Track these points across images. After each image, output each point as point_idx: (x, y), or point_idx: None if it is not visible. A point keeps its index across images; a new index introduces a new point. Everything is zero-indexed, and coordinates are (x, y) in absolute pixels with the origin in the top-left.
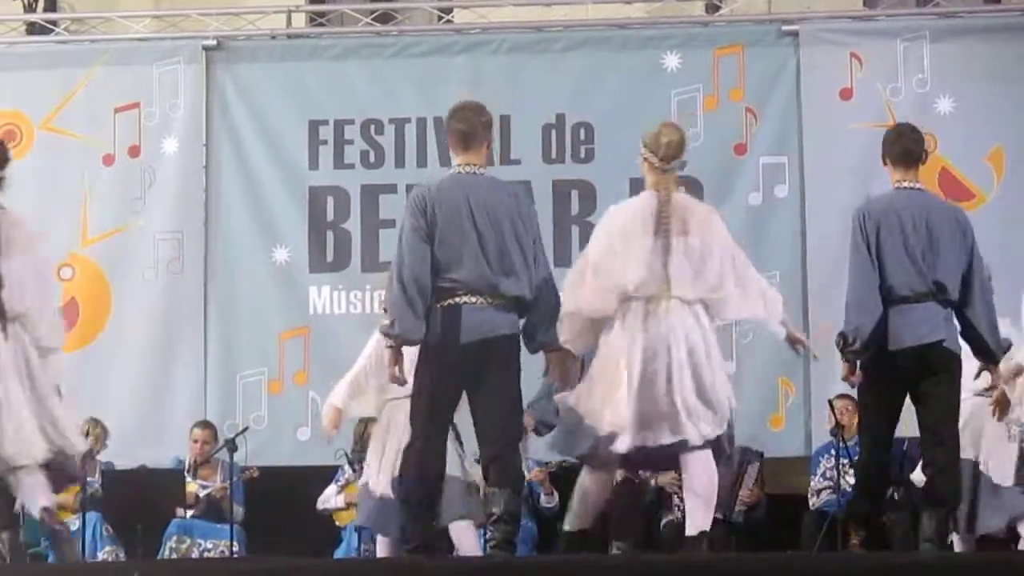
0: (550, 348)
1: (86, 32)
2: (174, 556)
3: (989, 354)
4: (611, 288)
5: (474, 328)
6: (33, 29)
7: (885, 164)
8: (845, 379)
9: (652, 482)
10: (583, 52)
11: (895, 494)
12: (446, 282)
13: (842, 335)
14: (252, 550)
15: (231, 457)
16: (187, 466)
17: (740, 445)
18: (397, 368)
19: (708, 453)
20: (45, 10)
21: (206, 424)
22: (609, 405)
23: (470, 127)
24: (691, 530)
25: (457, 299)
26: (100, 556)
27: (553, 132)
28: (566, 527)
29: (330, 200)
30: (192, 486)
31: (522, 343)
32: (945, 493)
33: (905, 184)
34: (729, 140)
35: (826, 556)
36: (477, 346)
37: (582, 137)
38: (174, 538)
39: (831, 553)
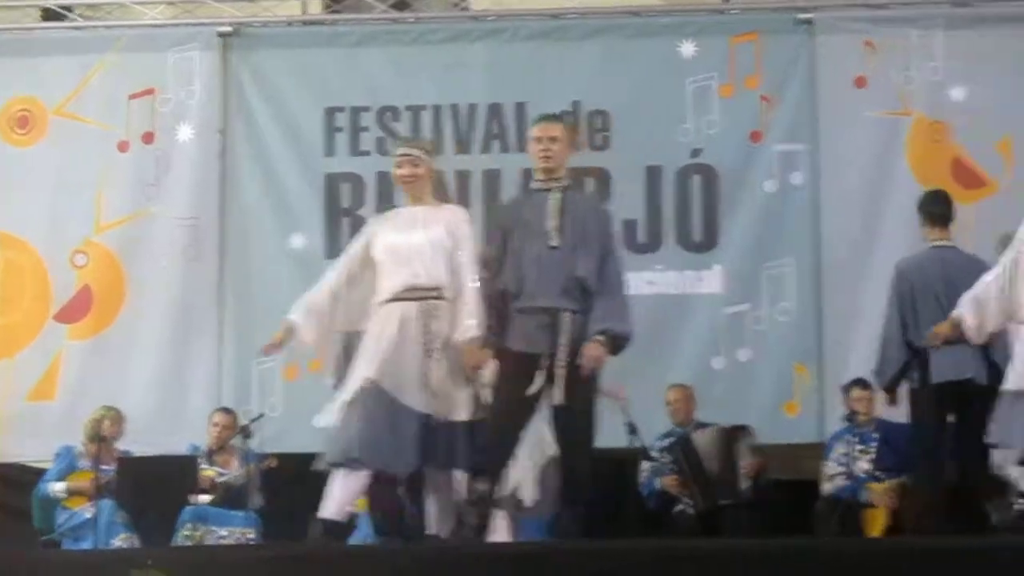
0: None
1: (101, 18)
2: (188, 543)
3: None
4: None
5: None
6: (48, 15)
7: (923, 225)
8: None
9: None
10: (599, 40)
11: (908, 480)
12: None
13: (873, 373)
14: (267, 537)
15: (246, 444)
16: (204, 452)
17: (725, 425)
18: None
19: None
20: None
21: (227, 410)
22: None
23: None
24: None
25: None
26: (114, 543)
27: (569, 119)
28: None
29: (346, 187)
30: (209, 472)
31: None
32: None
33: (938, 242)
34: (745, 128)
35: (838, 541)
36: None
37: (598, 125)
38: (188, 525)
39: (843, 538)
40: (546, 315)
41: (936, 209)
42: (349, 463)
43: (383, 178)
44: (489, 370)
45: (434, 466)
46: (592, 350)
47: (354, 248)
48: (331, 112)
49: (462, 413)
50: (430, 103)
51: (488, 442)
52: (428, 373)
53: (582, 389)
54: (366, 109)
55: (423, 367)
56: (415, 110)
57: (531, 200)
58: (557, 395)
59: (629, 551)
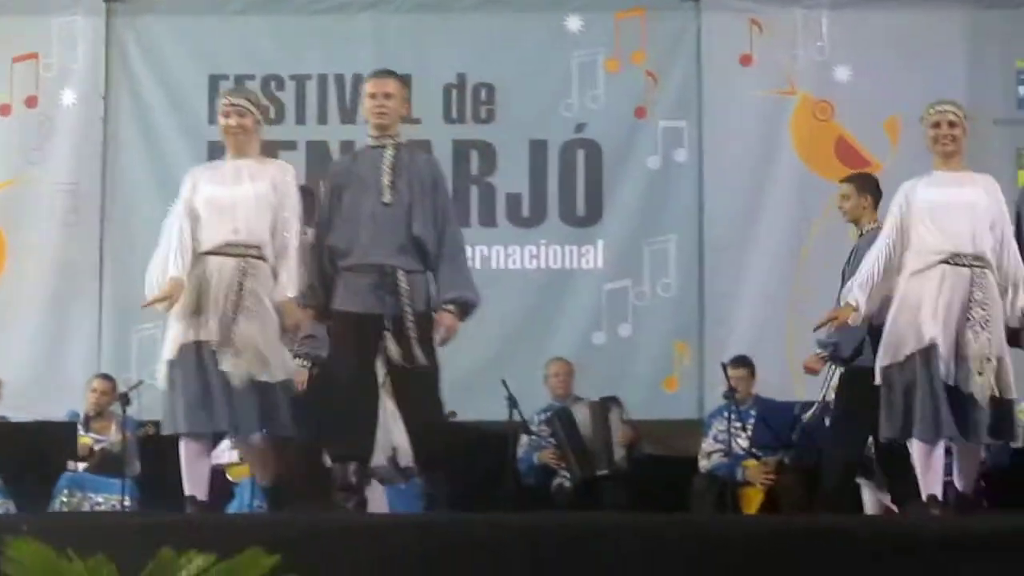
0: None
1: None
2: (65, 510)
3: None
4: None
5: None
6: None
7: (872, 208)
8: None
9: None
10: (486, 13)
11: (785, 458)
12: None
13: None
14: (144, 505)
15: (124, 411)
16: (82, 419)
17: (596, 400)
18: None
19: None
20: None
21: (105, 376)
22: None
23: None
24: None
25: None
26: None
27: (454, 92)
28: None
29: None
30: (86, 439)
31: None
32: None
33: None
34: (629, 103)
35: (715, 518)
36: None
37: (483, 98)
38: (65, 492)
39: (720, 515)
40: (378, 273)
41: (880, 194)
42: (176, 432)
43: (267, 147)
44: (306, 329)
45: (249, 428)
46: (446, 320)
47: (184, 198)
48: (215, 80)
49: (278, 374)
50: (315, 72)
51: (339, 416)
52: (241, 333)
53: (428, 353)
54: (250, 77)
55: (234, 326)
56: (300, 79)
57: (365, 157)
58: (417, 357)
59: (508, 524)
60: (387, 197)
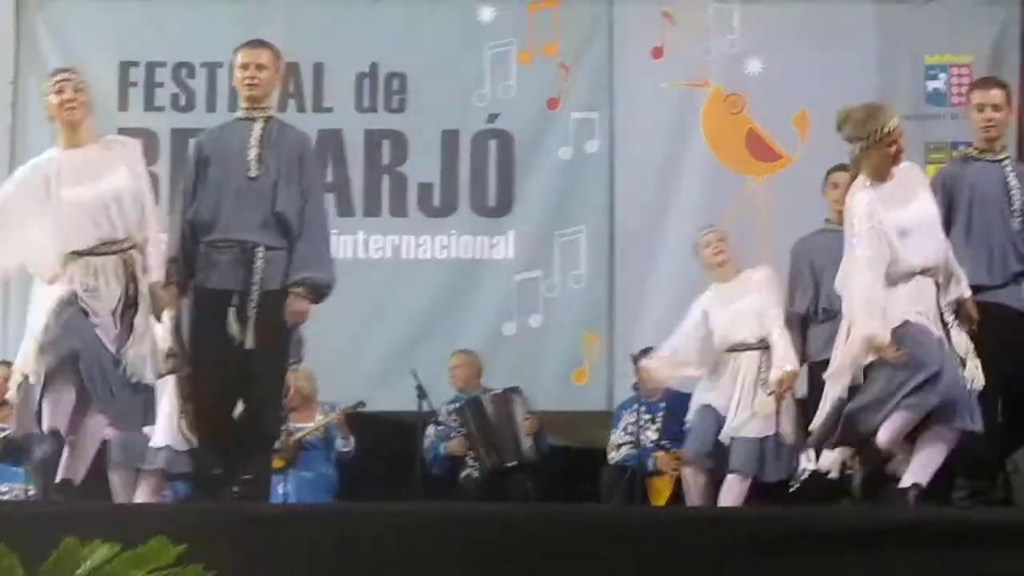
0: None
1: None
2: None
3: None
4: None
5: None
6: None
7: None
8: None
9: (442, 447)
10: (399, 2)
11: None
12: None
13: None
14: (48, 493)
15: None
16: None
17: (499, 391)
18: None
19: None
20: None
21: (7, 364)
22: None
23: None
24: None
25: None
26: None
27: (366, 81)
28: None
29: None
30: None
31: None
32: None
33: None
34: (542, 94)
35: (624, 509)
36: None
37: (395, 87)
38: None
39: (629, 506)
40: (239, 249)
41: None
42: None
43: (177, 134)
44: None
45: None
46: (294, 304)
47: (45, 193)
48: (125, 66)
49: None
50: (227, 60)
51: (208, 400)
52: (138, 325)
53: (271, 334)
54: (161, 64)
55: (132, 319)
56: (211, 67)
57: (234, 129)
58: (248, 339)
59: (416, 513)
60: (253, 171)
